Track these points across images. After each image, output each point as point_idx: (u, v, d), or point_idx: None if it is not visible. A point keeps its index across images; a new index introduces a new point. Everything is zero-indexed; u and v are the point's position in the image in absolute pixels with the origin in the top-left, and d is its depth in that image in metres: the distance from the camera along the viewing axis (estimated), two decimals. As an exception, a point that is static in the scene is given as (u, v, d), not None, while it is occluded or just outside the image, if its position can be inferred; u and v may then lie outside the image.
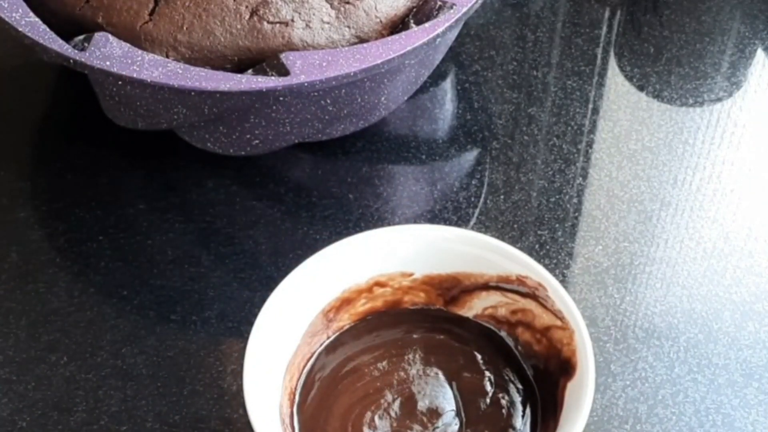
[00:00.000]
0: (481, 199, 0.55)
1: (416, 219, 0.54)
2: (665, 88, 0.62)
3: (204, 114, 0.50)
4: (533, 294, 0.43)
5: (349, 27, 0.51)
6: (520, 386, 0.43)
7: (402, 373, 0.43)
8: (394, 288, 0.45)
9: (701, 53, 0.64)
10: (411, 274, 0.45)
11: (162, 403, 0.47)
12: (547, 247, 0.53)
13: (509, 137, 0.59)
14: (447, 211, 0.55)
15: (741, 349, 0.49)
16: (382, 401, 0.42)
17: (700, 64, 0.63)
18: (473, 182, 0.56)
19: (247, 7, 0.50)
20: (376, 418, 0.41)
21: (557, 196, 0.56)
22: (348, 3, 0.51)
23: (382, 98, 0.54)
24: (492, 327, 0.45)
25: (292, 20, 0.50)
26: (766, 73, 0.63)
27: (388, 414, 0.41)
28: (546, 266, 0.52)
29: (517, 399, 0.42)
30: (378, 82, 0.52)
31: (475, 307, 0.45)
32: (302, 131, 0.53)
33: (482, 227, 0.54)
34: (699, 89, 0.62)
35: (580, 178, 0.57)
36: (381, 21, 0.52)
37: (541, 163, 0.57)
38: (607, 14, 0.67)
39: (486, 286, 0.44)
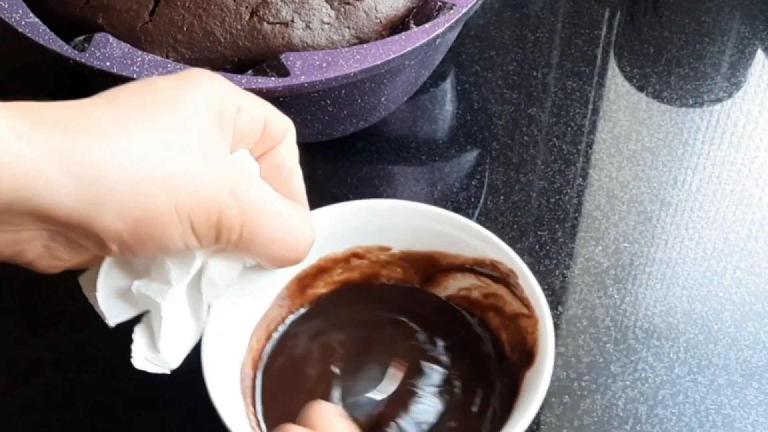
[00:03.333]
0: (481, 200, 0.55)
1: (416, 219, 0.54)
2: (665, 89, 0.62)
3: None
4: (505, 280, 0.43)
5: (349, 27, 0.51)
6: (477, 374, 0.43)
7: (367, 355, 0.43)
8: (371, 261, 0.45)
9: (701, 53, 0.64)
10: (389, 249, 0.45)
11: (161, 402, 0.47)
12: (547, 247, 0.53)
13: (509, 137, 0.59)
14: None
15: (741, 350, 0.49)
16: (346, 380, 0.42)
17: (700, 65, 0.63)
18: (473, 182, 0.56)
19: (247, 7, 0.50)
20: (339, 393, 0.41)
21: (557, 197, 0.56)
22: (348, 3, 0.51)
23: (382, 99, 0.54)
24: (465, 313, 0.45)
25: (292, 21, 0.50)
26: (766, 73, 0.63)
27: (352, 391, 0.42)
28: (546, 266, 0.52)
29: (472, 386, 0.42)
30: (378, 82, 0.52)
31: (450, 288, 0.45)
32: (302, 132, 0.53)
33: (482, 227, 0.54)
34: (699, 89, 0.62)
35: (580, 179, 0.57)
36: (381, 21, 0.52)
37: (541, 163, 0.57)
38: (607, 14, 0.67)
39: (461, 268, 0.44)
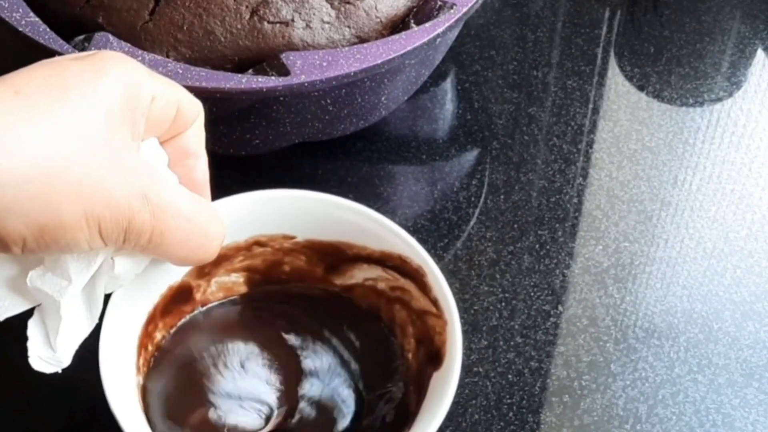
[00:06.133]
0: (481, 199, 0.55)
1: (416, 218, 0.54)
2: (665, 88, 0.62)
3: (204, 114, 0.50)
4: (413, 276, 0.42)
5: (349, 27, 0.51)
6: (384, 376, 0.43)
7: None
8: (274, 248, 0.45)
9: (701, 53, 0.64)
10: (293, 237, 0.44)
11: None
12: (547, 247, 0.53)
13: (509, 137, 0.59)
14: (447, 210, 0.55)
15: (741, 349, 0.49)
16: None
17: (700, 64, 0.63)
18: (473, 182, 0.56)
19: (247, 6, 0.50)
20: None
21: (557, 196, 0.56)
22: (348, 3, 0.51)
23: (382, 98, 0.54)
24: (374, 315, 0.45)
25: (293, 20, 0.50)
26: (766, 73, 0.63)
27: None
28: (546, 266, 0.52)
29: (379, 388, 0.42)
30: (378, 82, 0.52)
31: (355, 277, 0.45)
32: (302, 131, 0.53)
33: (482, 227, 0.54)
34: (699, 89, 0.62)
35: (580, 178, 0.57)
36: (381, 21, 0.52)
37: (541, 163, 0.57)
38: (607, 14, 0.67)
39: (368, 259, 0.44)
